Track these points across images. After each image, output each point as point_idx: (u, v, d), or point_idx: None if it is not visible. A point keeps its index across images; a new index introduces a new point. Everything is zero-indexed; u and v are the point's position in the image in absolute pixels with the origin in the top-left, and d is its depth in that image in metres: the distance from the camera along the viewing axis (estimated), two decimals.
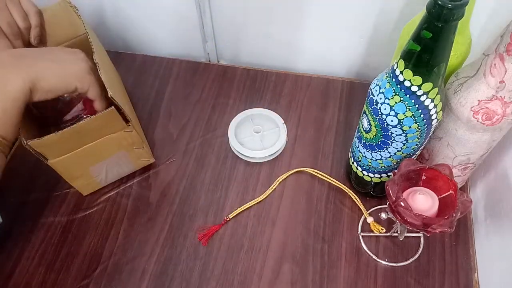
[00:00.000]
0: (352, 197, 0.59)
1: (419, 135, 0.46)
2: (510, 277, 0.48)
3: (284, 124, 0.66)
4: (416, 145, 0.47)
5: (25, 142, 0.47)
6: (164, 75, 0.76)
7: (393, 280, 0.53)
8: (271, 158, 0.64)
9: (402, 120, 0.44)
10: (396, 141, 0.47)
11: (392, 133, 0.46)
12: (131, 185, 0.62)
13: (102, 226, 0.58)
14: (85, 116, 0.55)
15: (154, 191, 0.61)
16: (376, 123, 0.46)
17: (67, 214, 0.60)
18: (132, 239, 0.57)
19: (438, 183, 0.47)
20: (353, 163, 0.56)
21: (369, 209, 0.58)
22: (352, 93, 0.72)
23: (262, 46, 0.76)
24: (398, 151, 0.48)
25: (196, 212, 0.59)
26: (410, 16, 0.53)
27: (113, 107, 0.51)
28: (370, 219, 0.57)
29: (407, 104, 0.43)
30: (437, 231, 0.43)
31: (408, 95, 0.42)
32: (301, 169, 0.62)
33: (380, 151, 0.50)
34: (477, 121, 0.44)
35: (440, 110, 0.44)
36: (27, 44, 0.57)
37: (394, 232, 0.55)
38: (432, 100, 0.42)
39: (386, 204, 0.49)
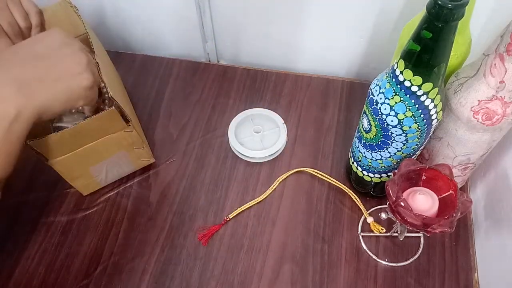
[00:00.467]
0: (352, 197, 0.59)
1: (419, 135, 0.46)
2: (510, 277, 0.48)
3: (284, 124, 0.66)
4: (416, 145, 0.47)
5: (25, 142, 0.47)
6: (164, 75, 0.76)
7: (393, 280, 0.53)
8: (271, 158, 0.64)
9: (402, 120, 0.44)
10: (396, 141, 0.47)
11: (392, 133, 0.46)
12: (131, 185, 0.62)
13: (102, 226, 0.58)
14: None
15: (154, 191, 0.61)
16: (376, 123, 0.46)
17: (67, 214, 0.60)
18: (132, 239, 0.57)
19: (438, 183, 0.47)
20: (353, 163, 0.56)
21: (369, 209, 0.58)
22: (352, 93, 0.72)
23: (262, 46, 0.76)
24: (398, 151, 0.48)
25: (196, 212, 0.59)
26: (410, 16, 0.53)
27: (113, 107, 0.51)
28: (370, 219, 0.57)
29: (407, 104, 0.43)
30: (437, 231, 0.43)
31: (408, 95, 0.42)
32: (301, 169, 0.62)
33: (380, 151, 0.50)
34: (477, 121, 0.44)
35: (440, 110, 0.44)
36: None
37: (394, 232, 0.55)
38: (432, 100, 0.42)
39: (386, 204, 0.49)
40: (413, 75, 0.41)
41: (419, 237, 0.56)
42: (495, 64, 0.41)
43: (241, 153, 0.63)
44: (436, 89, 0.42)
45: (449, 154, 0.51)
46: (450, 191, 0.46)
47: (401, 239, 0.55)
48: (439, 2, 0.35)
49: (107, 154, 0.56)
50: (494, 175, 0.55)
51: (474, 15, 0.46)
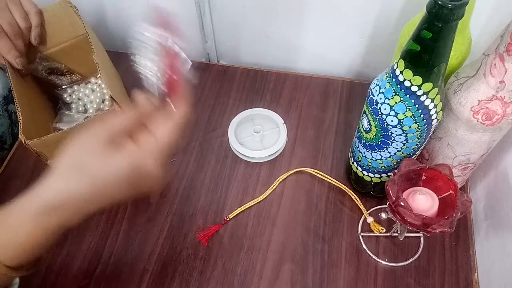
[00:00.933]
0: (352, 197, 0.59)
1: (419, 135, 0.46)
2: (510, 277, 0.48)
3: (284, 124, 0.66)
4: (416, 145, 0.47)
5: (25, 142, 0.47)
6: None
7: (393, 280, 0.53)
8: (271, 158, 0.64)
9: (402, 120, 0.44)
10: (396, 141, 0.47)
11: (392, 133, 0.46)
12: None
13: (102, 226, 0.58)
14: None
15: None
16: (376, 123, 0.46)
17: None
18: (132, 239, 0.57)
19: (438, 183, 0.47)
20: (353, 163, 0.56)
21: (369, 209, 0.58)
22: (352, 93, 0.72)
23: (262, 46, 0.76)
24: (398, 151, 0.48)
25: (196, 212, 0.59)
26: (410, 16, 0.53)
27: (113, 107, 0.51)
28: (370, 219, 0.57)
29: (407, 104, 0.43)
30: (437, 231, 0.43)
31: (408, 95, 0.42)
32: (301, 169, 0.62)
33: (380, 151, 0.50)
34: (477, 121, 0.44)
35: (440, 110, 0.44)
36: (28, 44, 0.57)
37: (394, 232, 0.55)
38: (432, 100, 0.42)
39: (386, 204, 0.49)
40: (413, 75, 0.41)
41: (419, 237, 0.56)
42: (495, 64, 0.41)
43: (241, 153, 0.63)
44: (436, 89, 0.42)
45: (449, 154, 0.51)
46: (450, 191, 0.46)
47: (401, 239, 0.55)
48: (439, 2, 0.35)
49: None
50: (494, 175, 0.55)
51: (474, 15, 0.46)
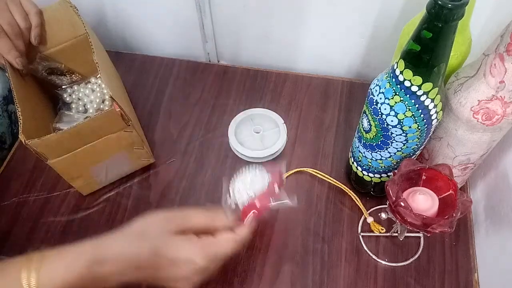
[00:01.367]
0: (352, 197, 0.59)
1: (419, 135, 0.46)
2: (510, 277, 0.48)
3: (284, 124, 0.66)
4: (416, 145, 0.47)
5: (25, 142, 0.47)
6: (164, 75, 0.76)
7: (393, 280, 0.53)
8: (271, 158, 0.64)
9: (402, 120, 0.44)
10: (396, 141, 0.47)
11: (392, 133, 0.46)
12: (131, 185, 0.62)
13: (102, 226, 0.58)
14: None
15: (154, 191, 0.61)
16: (376, 123, 0.46)
17: (67, 214, 0.60)
18: None
19: (438, 183, 0.47)
20: (353, 163, 0.56)
21: (369, 209, 0.58)
22: (352, 93, 0.72)
23: (262, 46, 0.76)
24: (398, 151, 0.48)
25: None
26: (410, 16, 0.53)
27: (113, 107, 0.51)
28: (370, 219, 0.57)
29: (407, 104, 0.43)
30: (437, 231, 0.43)
31: (408, 95, 0.42)
32: (301, 169, 0.62)
33: (380, 151, 0.50)
34: (477, 121, 0.44)
35: (440, 110, 0.44)
36: (28, 44, 0.57)
37: (394, 232, 0.55)
38: (432, 100, 0.42)
39: (386, 204, 0.49)
40: (413, 75, 0.41)
41: (419, 237, 0.56)
42: (495, 64, 0.41)
43: (241, 153, 0.63)
44: (436, 89, 0.42)
45: (449, 154, 0.51)
46: (450, 191, 0.46)
47: (401, 239, 0.55)
48: (439, 2, 0.35)
49: (107, 154, 0.56)
50: (494, 175, 0.55)
51: (474, 15, 0.46)
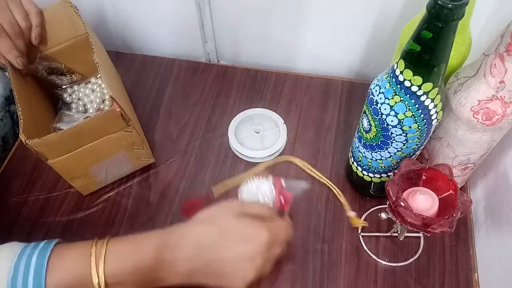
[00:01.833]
0: (335, 191, 0.59)
1: (419, 135, 0.46)
2: (510, 277, 0.48)
3: (284, 124, 0.66)
4: (416, 145, 0.47)
5: (25, 142, 0.47)
6: (164, 75, 0.76)
7: (393, 280, 0.53)
8: (271, 158, 0.64)
9: (402, 120, 0.44)
10: (396, 141, 0.47)
11: (392, 133, 0.46)
12: (131, 185, 0.62)
13: (102, 226, 0.58)
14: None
15: (154, 191, 0.61)
16: (376, 123, 0.46)
17: (67, 214, 0.60)
18: None
19: (438, 183, 0.47)
20: (353, 163, 0.56)
21: (369, 209, 0.58)
22: (352, 93, 0.72)
23: (262, 46, 0.76)
24: (398, 151, 0.48)
25: None
26: (410, 16, 0.53)
27: (113, 107, 0.51)
28: (352, 214, 0.57)
29: (407, 104, 0.43)
30: (437, 231, 0.43)
31: (408, 95, 0.42)
32: (289, 158, 0.62)
33: (380, 151, 0.50)
34: (477, 121, 0.44)
35: (440, 110, 0.44)
36: (28, 44, 0.57)
37: (394, 232, 0.55)
38: (432, 100, 0.42)
39: (386, 204, 0.49)
40: (413, 75, 0.41)
41: (419, 237, 0.56)
42: (495, 64, 0.41)
43: (241, 153, 0.63)
44: (436, 89, 0.42)
45: (449, 154, 0.51)
46: (450, 191, 0.46)
47: (401, 239, 0.55)
48: (439, 2, 0.35)
49: (107, 154, 0.56)
50: (494, 175, 0.55)
51: (474, 15, 0.46)
